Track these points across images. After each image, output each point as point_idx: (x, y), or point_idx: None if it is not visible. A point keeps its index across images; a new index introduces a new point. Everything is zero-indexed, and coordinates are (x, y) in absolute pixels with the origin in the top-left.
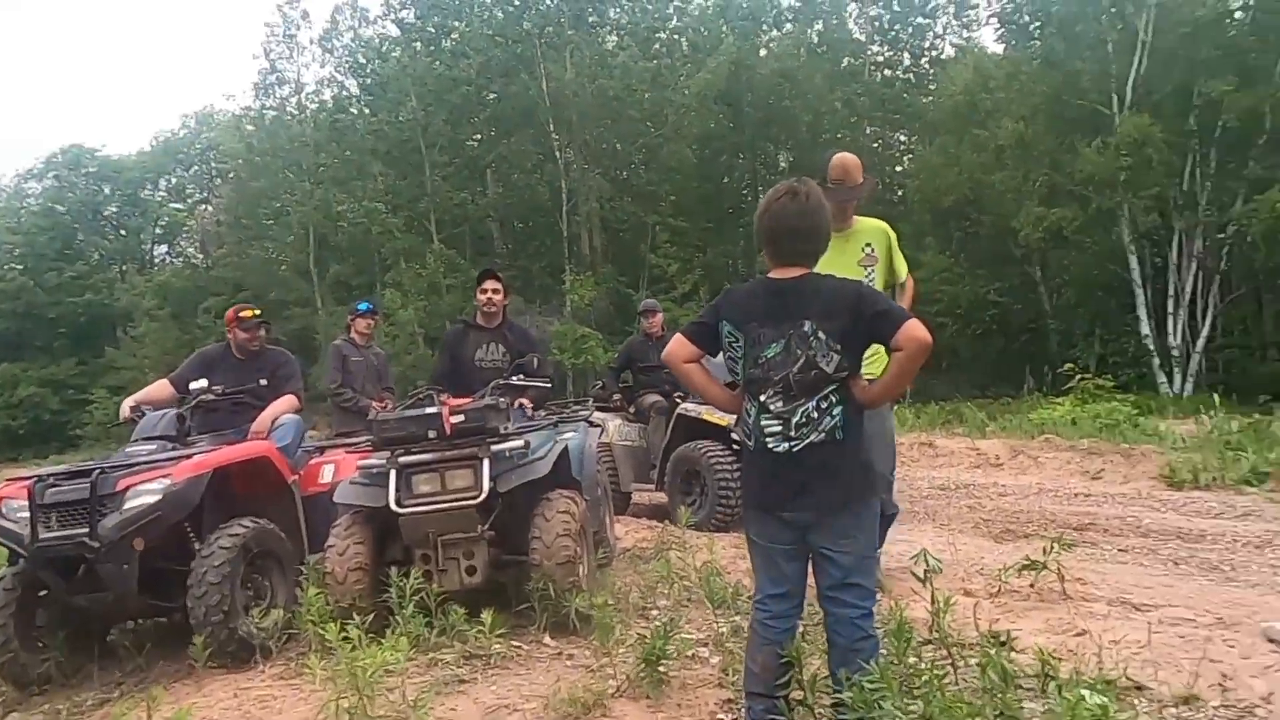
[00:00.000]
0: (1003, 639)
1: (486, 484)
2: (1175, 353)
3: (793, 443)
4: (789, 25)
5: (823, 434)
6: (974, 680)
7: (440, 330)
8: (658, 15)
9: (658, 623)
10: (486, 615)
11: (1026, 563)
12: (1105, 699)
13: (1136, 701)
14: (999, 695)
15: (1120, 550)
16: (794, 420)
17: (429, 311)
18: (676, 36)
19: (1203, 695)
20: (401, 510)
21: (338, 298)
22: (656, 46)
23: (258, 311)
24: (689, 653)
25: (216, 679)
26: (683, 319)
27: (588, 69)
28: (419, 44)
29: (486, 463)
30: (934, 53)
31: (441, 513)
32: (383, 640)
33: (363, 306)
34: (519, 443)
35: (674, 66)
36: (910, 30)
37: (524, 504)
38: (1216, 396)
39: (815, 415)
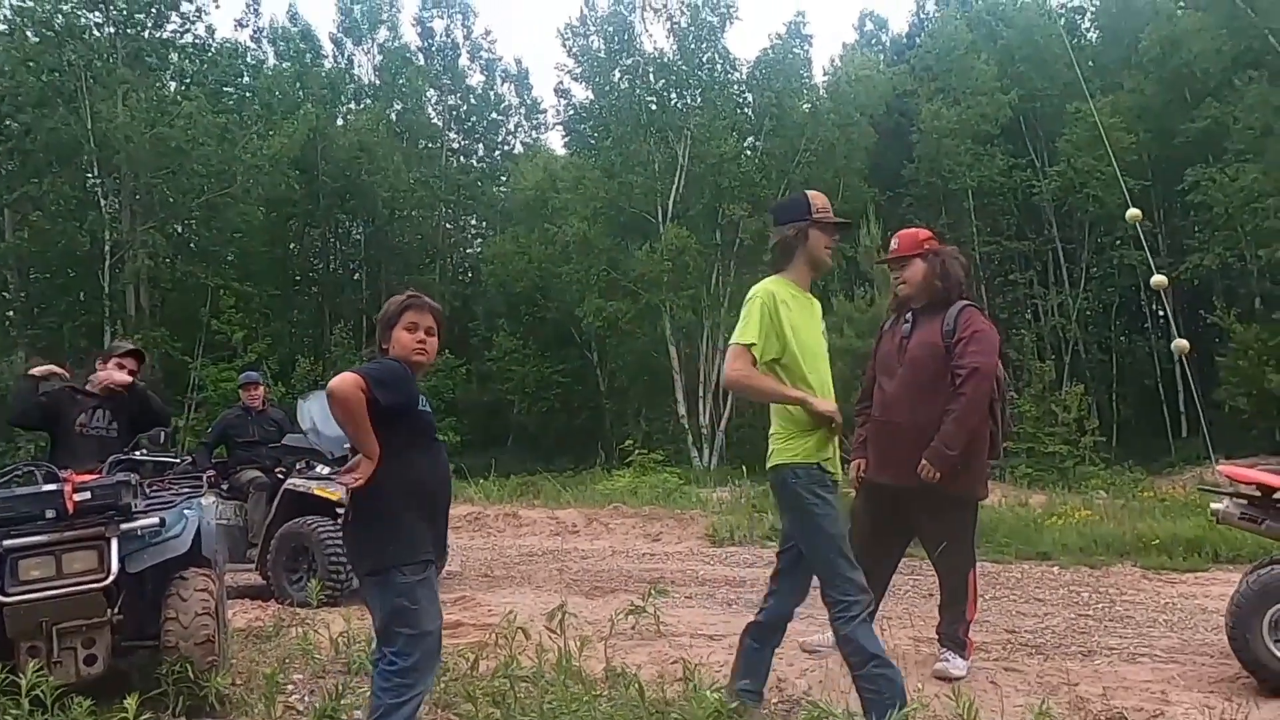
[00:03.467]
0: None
1: (115, 565)
2: (705, 430)
3: None
4: (368, 100)
5: None
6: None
7: None
8: (228, 69)
9: (312, 695)
10: (130, 701)
11: (632, 609)
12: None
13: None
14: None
15: (686, 596)
16: None
17: None
18: (249, 95)
19: (765, 695)
20: (8, 599)
21: None
22: (229, 102)
23: None
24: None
25: None
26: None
27: (145, 113)
28: None
29: (115, 542)
30: (506, 147)
31: (60, 599)
32: None
33: None
34: (153, 520)
35: (245, 124)
36: (485, 124)
37: (153, 585)
38: (745, 468)
39: None
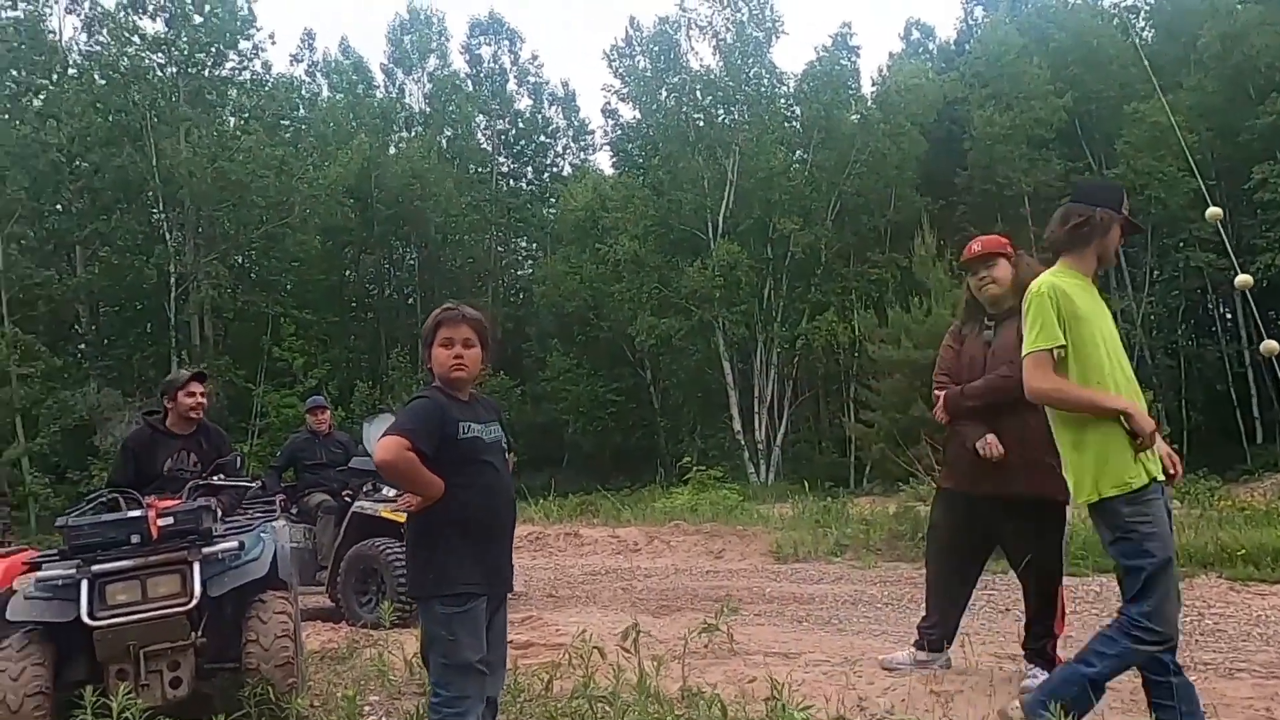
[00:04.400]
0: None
1: (198, 588)
2: (760, 446)
3: None
4: (419, 129)
5: None
6: None
7: (9, 426)
8: (284, 103)
9: (389, 717)
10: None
11: (705, 627)
12: (808, 715)
13: None
14: None
15: (756, 614)
16: None
17: None
18: (304, 127)
19: (848, 715)
20: (97, 623)
21: None
22: (286, 135)
23: None
24: None
25: None
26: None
27: (206, 149)
28: None
29: (197, 566)
30: (554, 169)
31: (146, 623)
32: None
33: None
34: (232, 544)
35: (301, 156)
36: (534, 147)
37: (233, 608)
38: (806, 483)
39: None
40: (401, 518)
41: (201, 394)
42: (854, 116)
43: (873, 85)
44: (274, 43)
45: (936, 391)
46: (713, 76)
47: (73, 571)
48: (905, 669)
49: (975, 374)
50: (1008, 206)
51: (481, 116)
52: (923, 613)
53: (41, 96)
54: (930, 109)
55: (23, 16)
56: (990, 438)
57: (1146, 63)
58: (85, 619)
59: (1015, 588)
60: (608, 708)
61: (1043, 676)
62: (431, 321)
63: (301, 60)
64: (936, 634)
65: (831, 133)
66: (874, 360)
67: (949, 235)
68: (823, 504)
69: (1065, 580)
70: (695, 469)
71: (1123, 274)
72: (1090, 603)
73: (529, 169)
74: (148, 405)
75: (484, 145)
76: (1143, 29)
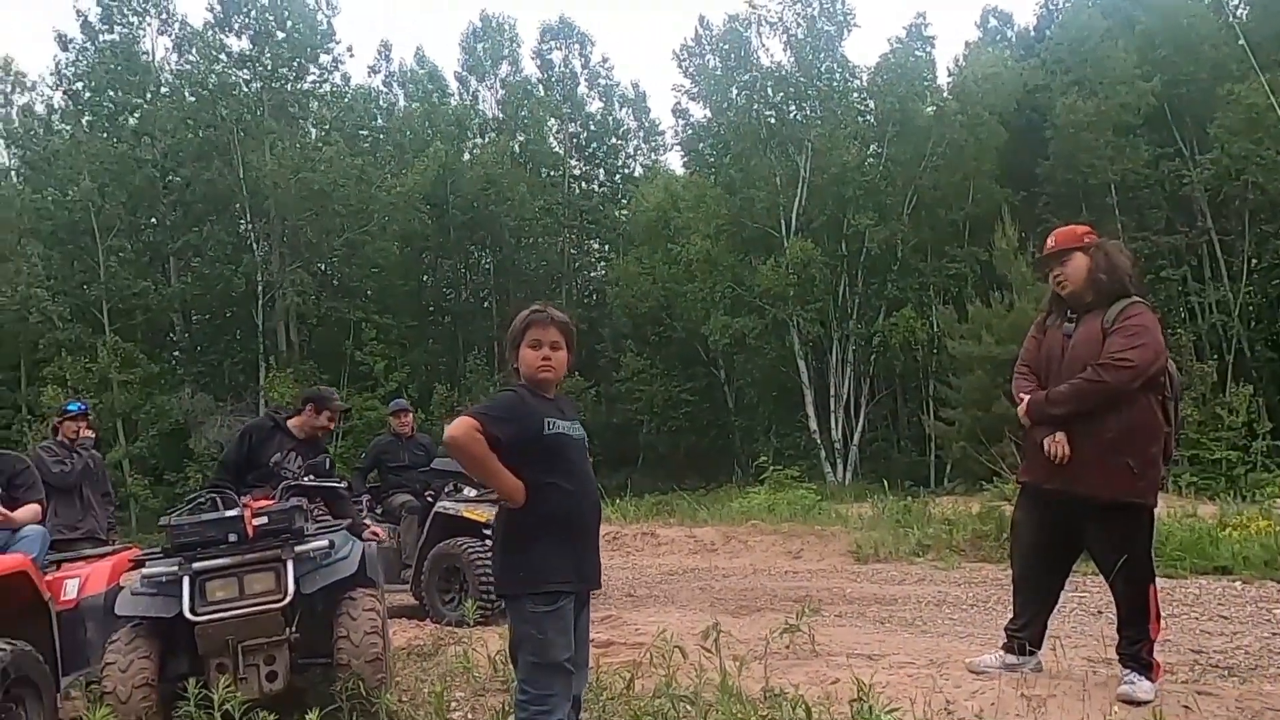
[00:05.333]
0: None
1: (291, 586)
2: (837, 446)
3: None
4: (493, 134)
5: None
6: None
7: (111, 430)
8: (363, 114)
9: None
10: (312, 716)
11: (786, 627)
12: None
13: None
14: None
15: (836, 615)
16: None
17: (98, 410)
18: (382, 137)
19: (934, 718)
20: (198, 618)
21: None
22: (365, 145)
23: None
24: None
25: None
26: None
27: (290, 161)
28: (91, 118)
29: (290, 564)
30: (626, 170)
31: (243, 618)
32: None
33: (72, 407)
34: (323, 543)
35: (379, 165)
36: (605, 149)
37: (324, 605)
38: (885, 482)
39: None
40: (483, 517)
41: (330, 420)
42: (929, 109)
43: (949, 76)
44: (352, 55)
45: (1017, 385)
46: (784, 73)
47: (175, 569)
48: (994, 672)
49: (1053, 368)
50: (1093, 196)
51: (553, 120)
52: (1010, 614)
53: (137, 115)
54: (1009, 98)
55: (118, 39)
56: (1060, 436)
57: (1243, 41)
58: (187, 614)
59: (1107, 589)
60: (689, 707)
61: (1140, 681)
62: (520, 323)
63: (379, 71)
64: (1025, 636)
65: (906, 126)
66: (954, 357)
67: (1030, 227)
68: (903, 503)
69: (1160, 583)
70: (771, 469)
71: (1218, 263)
72: (1189, 606)
73: (601, 171)
74: (239, 409)
75: (556, 149)
76: (1237, 6)
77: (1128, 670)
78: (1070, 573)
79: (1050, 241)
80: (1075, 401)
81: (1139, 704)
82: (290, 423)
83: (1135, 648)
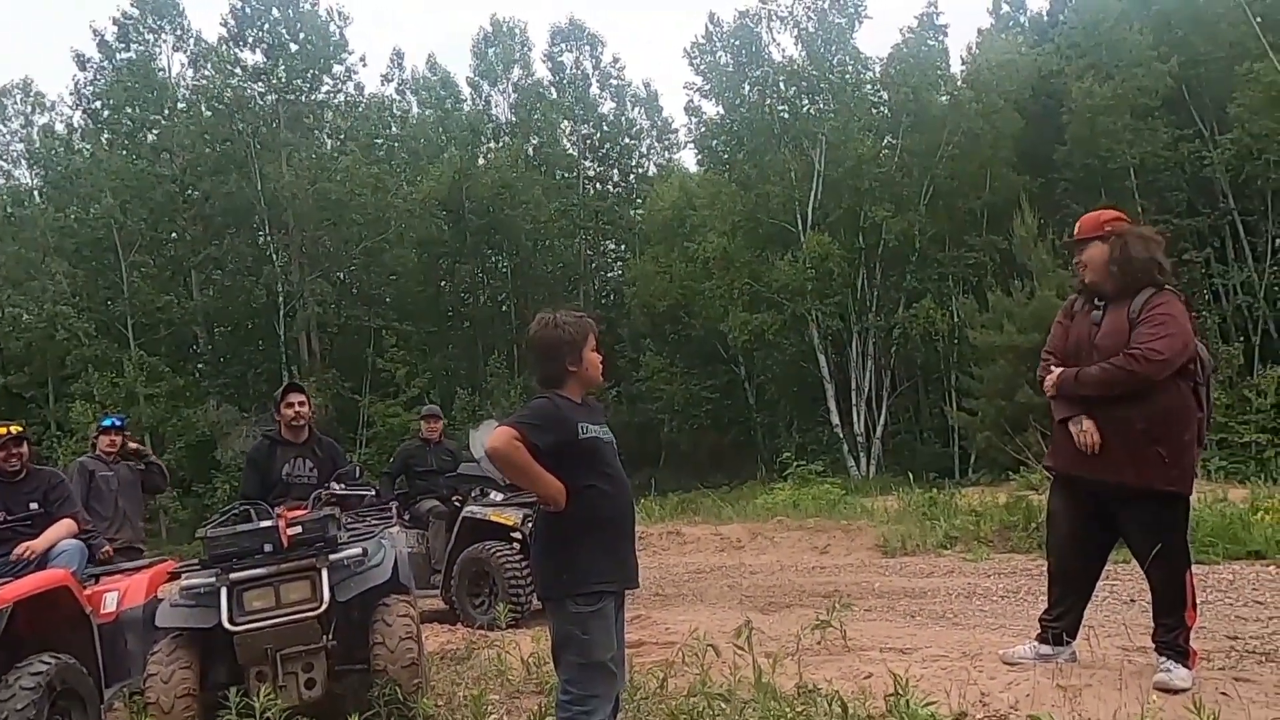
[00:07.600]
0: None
1: (327, 594)
2: (860, 439)
3: None
4: (506, 138)
5: None
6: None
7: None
8: (378, 122)
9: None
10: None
11: (818, 623)
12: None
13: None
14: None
15: (866, 610)
16: None
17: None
18: (396, 144)
19: (970, 710)
20: (237, 628)
21: (2, 412)
22: (380, 153)
23: (16, 427)
24: None
25: None
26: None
27: (307, 172)
28: (110, 136)
29: (325, 572)
30: (640, 170)
31: (281, 627)
32: None
33: (107, 422)
34: (357, 550)
35: (395, 172)
36: (619, 149)
37: (359, 611)
38: (910, 475)
39: None
40: (511, 520)
41: (300, 403)
42: (944, 98)
43: (962, 64)
44: (365, 64)
45: (1043, 372)
46: (795, 67)
47: (213, 580)
48: (1028, 663)
49: (1079, 355)
50: (1112, 180)
51: (566, 122)
52: (1044, 605)
53: (155, 131)
54: (1024, 84)
55: (135, 57)
56: (1088, 424)
57: (1258, 20)
58: (226, 624)
59: (1140, 577)
60: (724, 705)
61: (1177, 669)
62: (584, 328)
63: (392, 79)
64: (1061, 626)
65: (921, 116)
66: (975, 347)
67: (1050, 214)
68: (928, 496)
69: (1195, 569)
70: (795, 464)
71: (1242, 244)
72: (1223, 591)
73: (615, 171)
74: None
75: (570, 151)
76: None
77: (1164, 658)
78: (1105, 563)
79: (1076, 229)
80: (1105, 385)
81: (1176, 692)
82: (281, 434)
83: (1172, 635)
